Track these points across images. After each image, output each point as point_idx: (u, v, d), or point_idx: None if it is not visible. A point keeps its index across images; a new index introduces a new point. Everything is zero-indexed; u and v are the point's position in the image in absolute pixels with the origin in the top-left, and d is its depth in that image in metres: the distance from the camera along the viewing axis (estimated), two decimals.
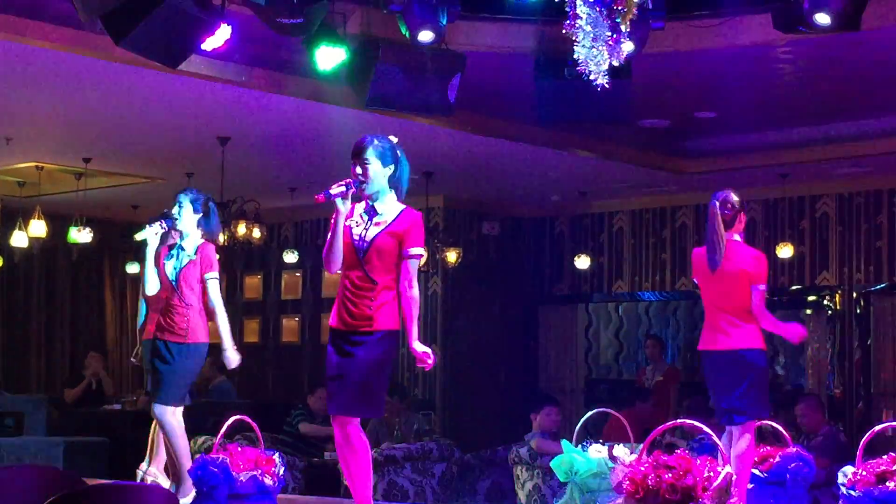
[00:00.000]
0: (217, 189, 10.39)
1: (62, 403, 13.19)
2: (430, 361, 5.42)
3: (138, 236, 7.05)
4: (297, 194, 12.56)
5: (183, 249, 6.93)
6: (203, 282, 6.88)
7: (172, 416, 6.89)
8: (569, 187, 12.68)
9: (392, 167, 5.47)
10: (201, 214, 6.98)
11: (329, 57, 7.11)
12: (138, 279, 14.43)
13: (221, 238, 7.34)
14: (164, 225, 6.95)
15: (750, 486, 6.62)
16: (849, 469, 5.11)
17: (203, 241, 6.96)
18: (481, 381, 13.43)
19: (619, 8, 5.72)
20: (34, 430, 12.31)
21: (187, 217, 6.94)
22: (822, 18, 6.59)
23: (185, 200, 6.94)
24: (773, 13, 7.10)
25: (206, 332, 6.91)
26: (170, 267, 6.91)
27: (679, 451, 4.50)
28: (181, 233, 6.96)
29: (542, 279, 14.18)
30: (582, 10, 5.71)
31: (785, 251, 11.94)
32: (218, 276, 6.96)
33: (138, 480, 7.23)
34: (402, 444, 9.70)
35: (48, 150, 11.01)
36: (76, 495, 3.99)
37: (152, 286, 7.04)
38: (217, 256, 6.99)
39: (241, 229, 11.13)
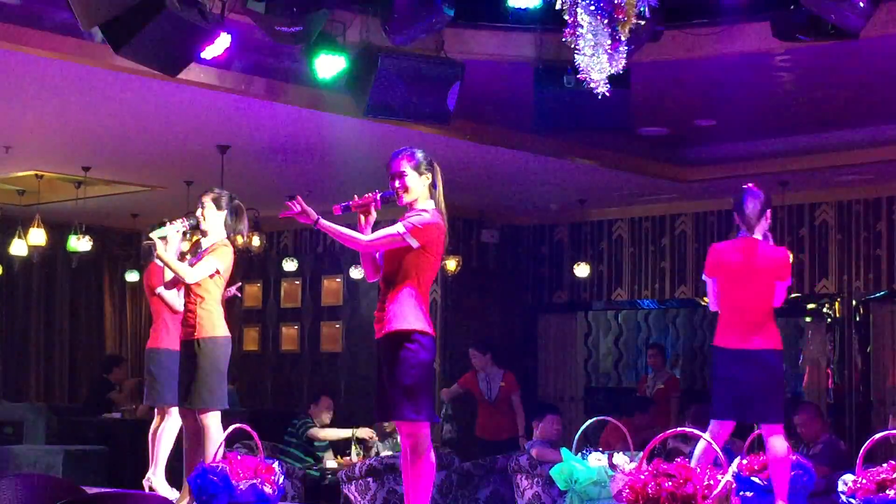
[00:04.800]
0: None
1: (61, 412, 13.16)
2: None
3: (154, 234, 7.02)
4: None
5: (200, 248, 6.96)
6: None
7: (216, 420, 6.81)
8: (568, 195, 12.67)
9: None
10: (226, 213, 6.95)
11: (328, 65, 7.11)
12: (138, 287, 14.55)
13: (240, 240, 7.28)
14: (186, 224, 6.91)
15: (749, 494, 6.62)
16: (849, 477, 5.11)
17: (220, 239, 6.91)
18: None
19: (620, 16, 5.73)
20: (33, 439, 12.29)
21: (210, 216, 6.90)
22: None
23: (207, 200, 6.92)
24: (771, 21, 7.10)
25: (221, 327, 6.83)
26: None
27: (679, 459, 4.50)
28: (206, 232, 6.93)
29: (542, 287, 14.17)
30: (582, 18, 5.72)
31: None
32: (215, 265, 6.79)
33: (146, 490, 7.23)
34: None
35: (48, 159, 11.01)
36: None
37: (167, 283, 7.07)
38: (229, 253, 6.90)
39: (241, 237, 11.11)
